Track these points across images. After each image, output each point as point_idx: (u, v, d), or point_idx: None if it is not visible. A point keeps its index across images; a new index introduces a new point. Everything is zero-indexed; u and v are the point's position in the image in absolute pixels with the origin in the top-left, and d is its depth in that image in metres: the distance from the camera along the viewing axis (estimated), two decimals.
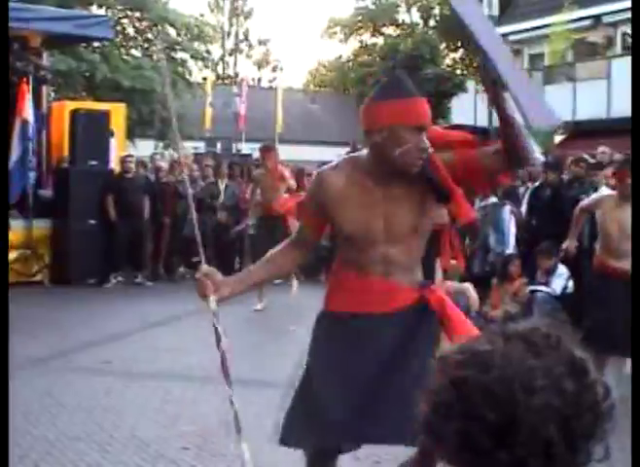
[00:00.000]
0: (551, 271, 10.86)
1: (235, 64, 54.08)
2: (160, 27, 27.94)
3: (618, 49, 28.04)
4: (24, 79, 13.99)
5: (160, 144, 27.27)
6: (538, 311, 10.50)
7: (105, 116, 14.95)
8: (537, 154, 12.99)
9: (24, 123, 13.89)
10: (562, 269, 10.70)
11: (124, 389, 7.61)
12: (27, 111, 13.94)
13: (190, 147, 25.41)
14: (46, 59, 15.28)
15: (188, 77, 28.69)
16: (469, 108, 28.93)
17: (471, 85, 31.00)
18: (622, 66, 25.01)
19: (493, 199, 11.88)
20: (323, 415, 3.83)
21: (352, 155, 4.09)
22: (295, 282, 12.82)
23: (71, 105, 15.72)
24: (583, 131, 23.61)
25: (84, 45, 22.64)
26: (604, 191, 11.43)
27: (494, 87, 3.51)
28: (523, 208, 12.26)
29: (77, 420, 6.55)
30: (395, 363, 3.75)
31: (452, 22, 39.05)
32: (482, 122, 25.18)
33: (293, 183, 12.65)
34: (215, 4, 51.69)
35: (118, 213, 14.49)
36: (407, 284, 3.87)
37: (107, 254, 14.54)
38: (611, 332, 7.14)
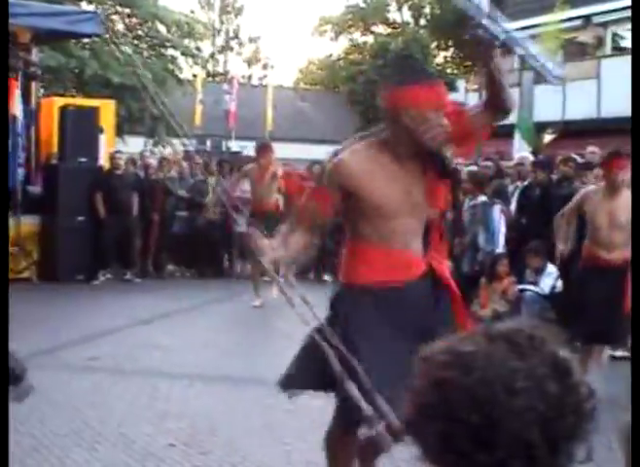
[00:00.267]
0: (539, 271, 10.87)
1: (226, 62, 53.99)
2: (150, 24, 27.90)
3: (607, 49, 28.07)
4: (13, 75, 13.93)
5: (150, 141, 27.22)
6: (526, 311, 10.52)
7: (94, 112, 14.91)
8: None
9: (13, 118, 13.84)
10: (551, 269, 10.71)
11: (112, 386, 7.59)
12: (16, 107, 13.90)
13: (179, 144, 25.35)
14: (35, 55, 15.25)
15: (178, 74, 28.64)
16: None
17: (461, 84, 31.01)
18: (612, 66, 25.08)
19: (483, 199, 11.87)
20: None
21: (361, 139, 4.38)
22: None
23: (60, 101, 15.69)
24: (572, 131, 23.63)
25: (73, 41, 22.56)
26: None
27: (492, 43, 4.22)
28: (512, 207, 12.27)
29: (64, 417, 6.53)
30: (422, 330, 3.86)
31: (443, 21, 39.12)
32: None
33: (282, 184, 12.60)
34: (205, 1, 51.55)
35: (107, 210, 14.46)
36: (419, 254, 4.26)
37: (96, 251, 14.52)
38: (601, 321, 7.13)
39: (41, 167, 15.10)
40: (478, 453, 1.36)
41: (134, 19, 28.42)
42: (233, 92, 28.08)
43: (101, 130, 15.14)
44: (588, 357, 7.41)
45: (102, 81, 23.90)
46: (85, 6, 26.04)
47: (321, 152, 27.50)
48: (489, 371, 1.37)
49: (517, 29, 26.34)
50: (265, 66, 56.33)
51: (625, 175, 7.51)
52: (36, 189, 14.71)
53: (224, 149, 24.83)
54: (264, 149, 12.37)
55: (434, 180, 4.23)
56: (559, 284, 10.64)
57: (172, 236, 15.70)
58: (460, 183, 11.44)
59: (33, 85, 15.23)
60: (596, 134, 20.31)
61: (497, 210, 11.87)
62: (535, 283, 10.82)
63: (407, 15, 44.57)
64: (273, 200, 12.36)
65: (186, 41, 28.49)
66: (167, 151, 21.84)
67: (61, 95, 19.30)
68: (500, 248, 11.74)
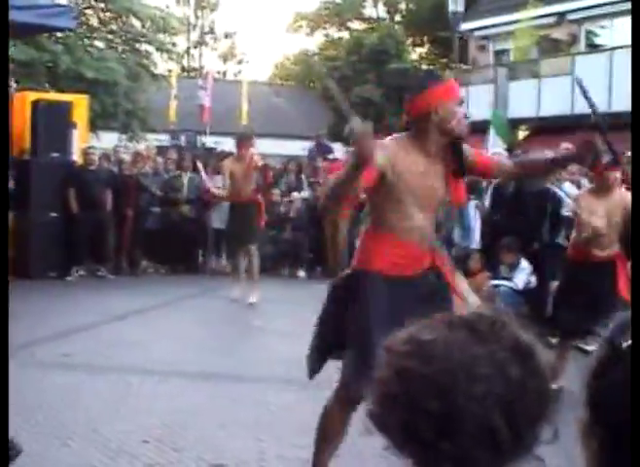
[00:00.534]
0: (513, 266, 10.89)
1: (201, 57, 53.90)
2: (124, 18, 27.76)
3: (582, 46, 28.17)
4: None
5: (124, 136, 27.09)
6: (500, 306, 10.54)
7: (67, 107, 14.83)
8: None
9: None
10: (525, 264, 10.74)
11: (86, 383, 7.55)
12: None
13: (153, 139, 25.26)
14: None
15: (152, 69, 28.51)
16: None
17: None
18: (586, 63, 25.16)
19: None
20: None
21: (394, 137, 4.73)
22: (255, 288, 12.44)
23: (33, 96, 15.57)
24: (547, 128, 23.70)
25: (46, 35, 22.40)
26: (568, 187, 11.52)
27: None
28: (486, 203, 12.29)
29: (37, 414, 6.49)
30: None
31: (418, 18, 39.16)
32: None
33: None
34: None
35: (80, 206, 14.39)
36: (430, 248, 4.69)
37: (69, 247, 14.44)
38: (591, 317, 7.12)
39: (13, 163, 14.98)
40: (441, 442, 1.36)
41: (108, 14, 28.25)
42: (208, 88, 27.92)
43: (74, 125, 15.06)
44: (567, 352, 7.45)
45: (75, 76, 23.75)
46: None
47: (295, 147, 27.53)
48: (449, 358, 1.38)
49: (492, 26, 26.34)
50: (240, 61, 56.31)
51: (616, 174, 7.52)
52: (8, 184, 14.60)
53: (198, 144, 24.70)
54: (244, 140, 12.28)
55: (456, 177, 4.72)
56: (533, 279, 10.69)
57: (146, 232, 15.64)
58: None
59: None
60: (570, 131, 20.38)
61: (472, 207, 11.89)
62: (509, 279, 10.85)
63: (382, 11, 44.59)
64: (252, 191, 12.26)
65: (161, 36, 28.35)
66: (141, 146, 21.77)
67: (34, 90, 19.15)
68: (475, 244, 11.76)
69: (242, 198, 12.09)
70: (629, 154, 12.53)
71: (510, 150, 14.28)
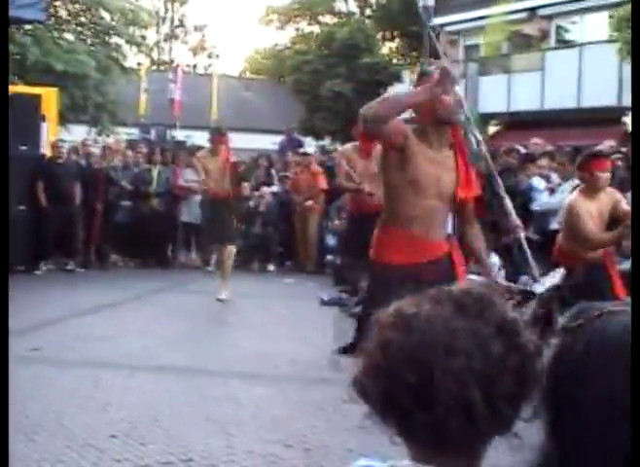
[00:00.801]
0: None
1: (171, 50, 53.76)
2: (94, 11, 27.60)
3: (552, 41, 28.29)
4: None
5: (94, 130, 26.96)
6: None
7: (36, 100, 14.73)
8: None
9: None
10: (494, 259, 10.76)
11: (54, 377, 7.51)
12: None
13: (123, 133, 25.17)
14: None
15: (122, 62, 28.37)
16: None
17: (407, 75, 31.07)
18: (557, 59, 25.29)
19: None
20: None
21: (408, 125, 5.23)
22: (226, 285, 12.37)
23: None
24: (517, 122, 23.82)
25: (15, 27, 22.23)
26: (537, 182, 11.55)
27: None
28: None
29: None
30: None
31: (389, 12, 39.18)
32: None
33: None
34: None
35: (48, 199, 14.30)
36: (440, 238, 5.13)
37: (37, 241, 14.35)
38: None
39: None
40: (417, 412, 1.39)
41: (78, 6, 28.07)
42: (178, 81, 27.90)
43: (43, 118, 14.95)
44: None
45: (45, 68, 23.59)
46: None
47: (266, 141, 27.47)
48: (429, 331, 1.40)
49: (464, 21, 26.40)
50: (210, 55, 56.20)
51: (607, 175, 7.46)
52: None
53: (168, 138, 24.67)
54: (219, 136, 12.18)
55: (467, 168, 5.07)
56: (502, 274, 10.71)
57: (116, 226, 15.57)
58: None
59: None
60: (540, 126, 20.49)
61: None
62: (479, 273, 10.87)
63: (353, 5, 44.58)
64: (226, 187, 12.16)
65: (130, 29, 28.21)
66: (110, 140, 21.67)
67: None
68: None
69: (218, 195, 11.97)
70: (600, 147, 12.61)
71: (478, 144, 14.27)
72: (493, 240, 10.62)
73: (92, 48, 26.42)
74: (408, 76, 30.75)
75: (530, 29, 28.36)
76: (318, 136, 29.80)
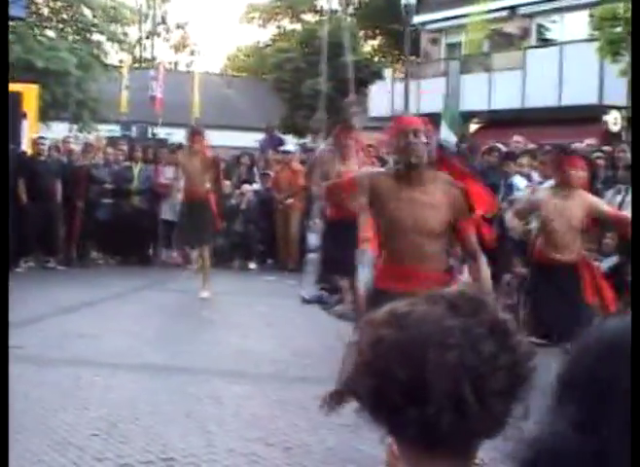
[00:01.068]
0: (462, 259, 10.94)
1: (153, 47, 53.59)
2: (75, 8, 27.52)
3: (533, 40, 28.36)
4: None
5: (75, 127, 26.88)
6: None
7: (17, 97, 14.69)
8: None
9: None
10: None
11: (35, 375, 7.50)
12: None
13: (105, 130, 25.09)
14: None
15: (104, 59, 28.31)
16: (386, 96, 29.05)
17: (388, 73, 31.09)
18: (537, 57, 25.36)
19: None
20: None
21: (380, 170, 5.80)
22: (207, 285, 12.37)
23: None
24: (498, 120, 23.87)
25: None
26: (518, 180, 11.58)
27: None
28: None
29: None
30: None
31: (371, 10, 39.20)
32: (399, 109, 25.32)
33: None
34: None
35: (29, 196, 14.25)
36: (433, 269, 5.22)
37: (18, 238, 14.27)
38: (557, 320, 7.07)
39: None
40: (408, 408, 1.39)
41: (59, 3, 28.00)
42: (160, 79, 27.82)
43: (24, 115, 14.91)
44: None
45: (26, 65, 23.53)
46: None
47: (247, 139, 27.38)
48: (422, 328, 1.41)
49: (445, 19, 26.39)
50: (192, 52, 56.08)
51: (580, 174, 7.42)
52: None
53: (149, 135, 24.58)
54: (196, 135, 12.15)
55: (472, 186, 5.32)
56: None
57: (97, 223, 15.53)
58: None
59: None
60: (521, 124, 20.55)
61: None
62: (460, 272, 10.90)
63: (335, 3, 44.57)
64: (205, 188, 12.13)
65: (112, 26, 28.15)
66: (91, 137, 21.60)
67: None
68: None
69: (197, 196, 11.92)
70: (577, 145, 12.67)
71: (461, 142, 14.37)
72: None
73: (74, 45, 26.33)
74: (390, 74, 30.81)
75: (511, 28, 28.43)
76: (299, 134, 29.78)
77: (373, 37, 42.85)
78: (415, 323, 1.42)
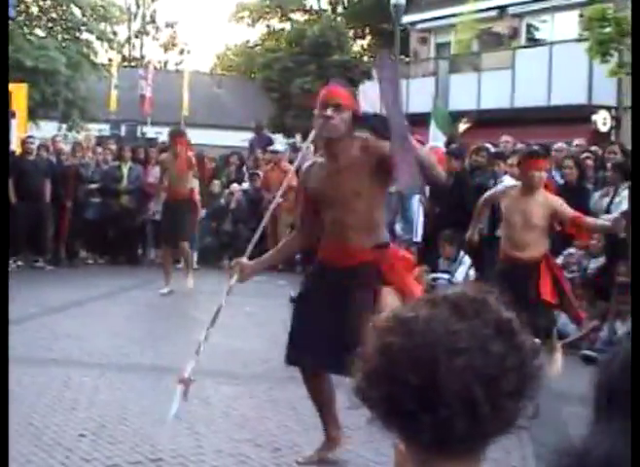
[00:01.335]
0: (453, 259, 10.95)
1: (142, 46, 53.56)
2: (65, 7, 27.48)
3: (522, 40, 28.37)
4: None
5: (64, 126, 26.84)
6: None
7: None
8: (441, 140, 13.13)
9: None
10: (465, 258, 10.81)
11: (23, 376, 7.45)
12: None
13: (94, 129, 25.05)
14: None
15: (93, 58, 28.28)
16: (374, 95, 29.03)
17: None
18: (527, 57, 25.37)
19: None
20: (302, 341, 5.22)
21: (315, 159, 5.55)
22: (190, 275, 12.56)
23: None
24: (487, 121, 23.87)
25: None
26: (507, 180, 11.59)
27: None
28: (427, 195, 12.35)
29: None
30: (346, 308, 4.91)
31: (360, 9, 39.22)
32: None
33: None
34: None
35: (18, 196, 14.21)
36: (360, 244, 5.10)
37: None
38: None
39: None
40: (422, 413, 1.40)
41: (49, 2, 27.97)
42: (149, 78, 27.78)
43: (13, 114, 14.85)
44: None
45: (15, 64, 23.47)
46: None
47: (236, 138, 27.35)
48: (430, 333, 1.42)
49: (434, 19, 26.34)
50: (181, 51, 56.04)
51: (542, 175, 7.53)
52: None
53: (139, 134, 24.57)
54: (177, 136, 12.28)
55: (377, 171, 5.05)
56: (472, 273, 10.75)
57: (85, 223, 15.49)
58: None
59: None
60: (510, 124, 20.54)
61: (416, 200, 11.92)
62: (449, 272, 10.91)
63: (324, 2, 44.58)
64: (187, 189, 12.29)
65: (101, 25, 28.14)
66: (80, 136, 21.56)
67: None
68: (418, 238, 11.79)
69: (176, 197, 12.14)
70: (560, 145, 12.69)
71: (450, 142, 14.35)
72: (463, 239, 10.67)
73: (63, 44, 26.31)
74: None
75: (500, 27, 28.45)
76: (288, 133, 29.79)
77: (363, 36, 42.89)
78: (423, 328, 1.43)
